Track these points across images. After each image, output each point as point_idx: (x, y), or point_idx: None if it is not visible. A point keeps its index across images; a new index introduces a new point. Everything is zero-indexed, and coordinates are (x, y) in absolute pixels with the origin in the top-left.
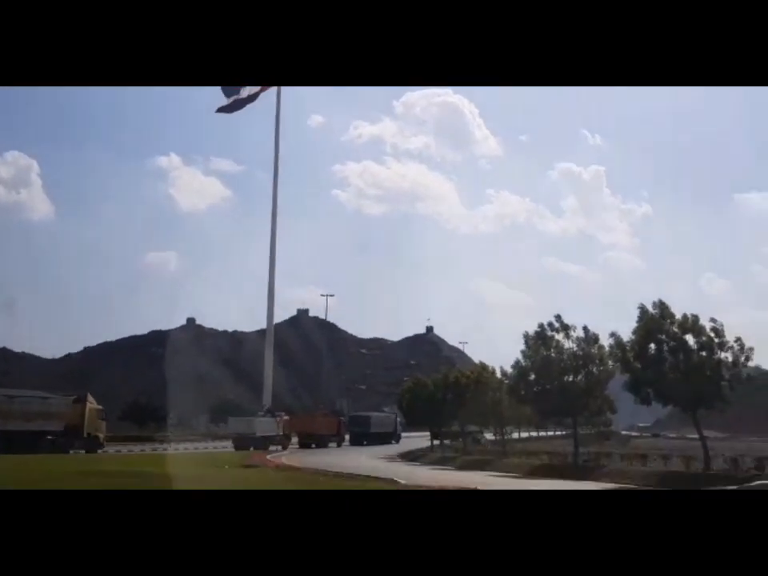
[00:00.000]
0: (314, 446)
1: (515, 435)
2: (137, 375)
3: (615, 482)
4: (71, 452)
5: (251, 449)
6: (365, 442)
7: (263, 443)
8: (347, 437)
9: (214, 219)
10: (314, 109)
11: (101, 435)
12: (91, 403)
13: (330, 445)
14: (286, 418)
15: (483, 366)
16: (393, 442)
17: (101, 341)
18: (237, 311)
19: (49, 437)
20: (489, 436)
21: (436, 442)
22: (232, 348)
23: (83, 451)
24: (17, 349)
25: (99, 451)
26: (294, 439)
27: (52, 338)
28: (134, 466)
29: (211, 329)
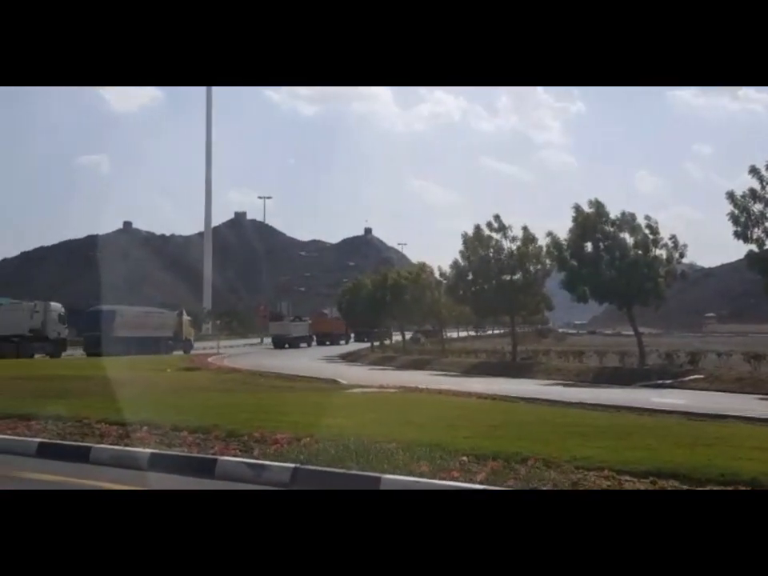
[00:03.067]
0: (327, 343)
1: (454, 335)
2: (74, 279)
3: (552, 379)
4: (173, 353)
5: (286, 345)
6: (365, 339)
7: (296, 341)
8: (352, 335)
9: (146, 120)
10: None
11: (191, 339)
12: (186, 316)
13: (341, 342)
14: (310, 321)
15: (422, 266)
16: (387, 340)
17: (37, 245)
18: (174, 214)
19: (169, 341)
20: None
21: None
22: (170, 250)
23: (182, 351)
24: None
25: (191, 351)
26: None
27: None
28: (74, 371)
29: (149, 232)
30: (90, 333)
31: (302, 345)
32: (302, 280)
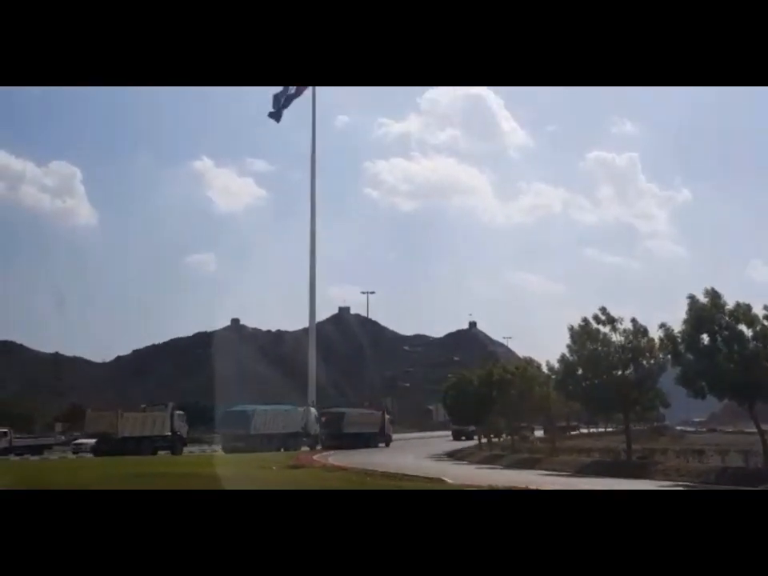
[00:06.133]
0: (492, 436)
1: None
2: (185, 376)
3: (671, 480)
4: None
5: (463, 438)
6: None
7: (471, 435)
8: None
9: (251, 219)
10: (338, 110)
11: (391, 434)
12: (387, 414)
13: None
14: None
15: (528, 361)
16: (528, 434)
17: (148, 343)
18: (279, 310)
19: (375, 436)
20: (538, 433)
21: (483, 440)
22: (276, 347)
23: (383, 444)
24: (68, 353)
25: (390, 444)
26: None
27: (102, 342)
28: (182, 468)
29: (255, 328)
30: (325, 430)
31: (474, 437)
32: (406, 375)
